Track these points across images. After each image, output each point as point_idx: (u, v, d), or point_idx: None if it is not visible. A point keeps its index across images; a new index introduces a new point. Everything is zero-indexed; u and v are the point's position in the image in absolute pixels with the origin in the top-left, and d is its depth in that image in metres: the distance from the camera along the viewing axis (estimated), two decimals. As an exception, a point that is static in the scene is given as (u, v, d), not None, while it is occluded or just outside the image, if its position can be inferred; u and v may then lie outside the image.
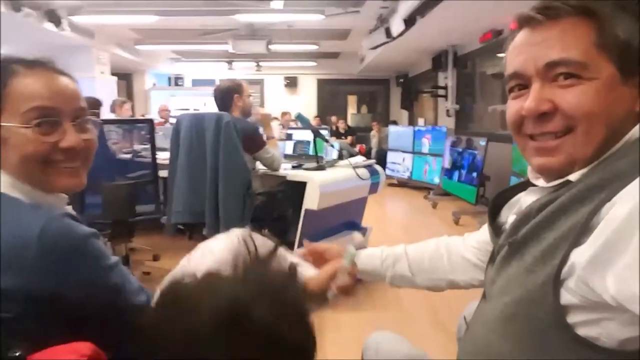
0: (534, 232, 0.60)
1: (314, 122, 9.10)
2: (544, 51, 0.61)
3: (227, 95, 2.48)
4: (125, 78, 9.48)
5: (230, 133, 2.20)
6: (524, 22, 0.64)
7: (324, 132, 2.94)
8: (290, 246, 2.58)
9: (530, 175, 0.71)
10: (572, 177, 0.60)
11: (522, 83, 0.64)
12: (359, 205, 2.99)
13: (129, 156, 3.48)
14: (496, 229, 0.76)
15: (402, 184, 7.25)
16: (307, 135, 3.05)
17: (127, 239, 2.62)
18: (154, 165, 2.66)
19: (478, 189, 4.84)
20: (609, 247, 0.49)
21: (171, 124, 5.88)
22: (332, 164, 2.80)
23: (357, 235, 0.86)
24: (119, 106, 4.54)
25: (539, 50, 0.61)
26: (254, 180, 2.50)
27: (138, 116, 5.94)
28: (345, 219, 2.92)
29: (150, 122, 2.71)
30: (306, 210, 2.42)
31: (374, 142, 8.63)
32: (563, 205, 0.58)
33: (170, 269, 0.71)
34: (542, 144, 0.62)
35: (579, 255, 0.52)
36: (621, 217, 0.49)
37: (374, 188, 2.93)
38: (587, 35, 0.59)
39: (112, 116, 4.55)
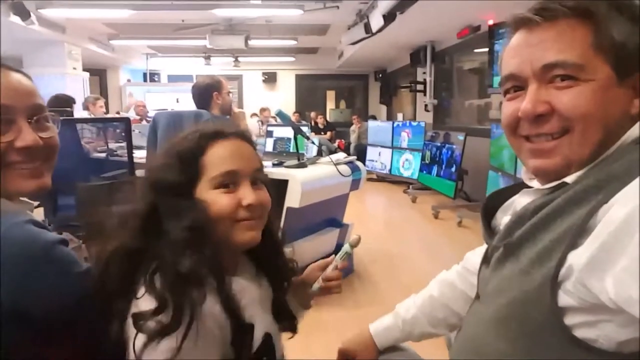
0: (530, 234, 0.60)
1: (293, 118, 9.06)
2: (541, 53, 0.60)
3: (205, 92, 2.43)
4: (98, 74, 9.22)
5: (210, 131, 2.16)
6: (521, 23, 0.64)
7: (304, 129, 2.91)
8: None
9: (525, 176, 0.70)
10: (569, 179, 0.60)
11: (518, 85, 0.64)
12: (341, 201, 2.98)
13: (103, 155, 3.38)
14: (490, 230, 0.75)
15: (381, 178, 7.30)
16: (287, 132, 3.02)
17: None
18: (131, 164, 2.59)
19: (457, 184, 4.90)
20: (607, 249, 0.49)
21: (147, 120, 5.76)
22: (313, 161, 2.78)
23: (354, 237, 0.87)
24: (92, 103, 4.41)
25: (535, 52, 0.61)
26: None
27: (113, 114, 5.77)
28: (326, 215, 2.91)
29: (126, 120, 2.63)
30: (288, 208, 2.40)
31: (353, 137, 8.64)
32: (559, 206, 0.57)
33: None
34: (538, 146, 0.62)
35: (577, 257, 0.52)
36: (619, 219, 0.49)
37: (355, 184, 2.92)
38: (583, 36, 0.59)
39: (85, 114, 4.42)
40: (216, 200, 0.71)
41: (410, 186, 6.21)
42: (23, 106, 0.68)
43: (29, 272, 0.59)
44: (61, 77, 6.44)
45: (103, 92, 9.42)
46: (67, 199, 2.67)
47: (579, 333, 0.53)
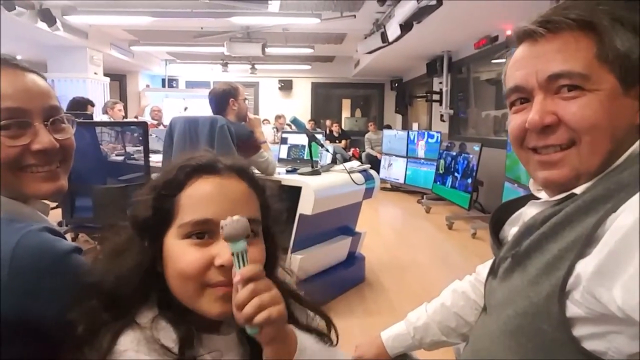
0: (538, 244, 0.59)
1: (308, 125, 9.10)
2: (546, 64, 0.60)
3: (222, 98, 2.46)
4: (118, 79, 9.41)
5: (225, 137, 2.18)
6: (524, 36, 0.64)
7: (319, 137, 2.92)
8: (284, 252, 2.57)
9: (532, 187, 0.70)
10: (578, 190, 0.59)
11: (523, 97, 0.64)
12: (354, 210, 2.98)
13: (121, 158, 3.44)
14: (497, 242, 0.75)
15: (395, 188, 7.26)
16: (302, 140, 3.03)
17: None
18: (147, 168, 2.63)
19: (472, 195, 4.85)
20: (614, 257, 0.49)
21: (164, 125, 5.85)
22: (327, 168, 2.78)
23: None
24: (111, 108, 4.50)
25: (540, 64, 0.61)
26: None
27: (131, 118, 5.88)
28: (339, 223, 2.90)
29: (143, 124, 2.68)
30: (300, 215, 2.40)
31: (367, 145, 8.61)
32: (568, 216, 0.57)
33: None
34: (546, 158, 0.62)
35: (584, 266, 0.52)
36: (627, 227, 0.49)
37: (368, 193, 2.92)
38: (588, 47, 0.59)
39: (104, 118, 4.51)
40: (182, 253, 0.57)
41: (425, 196, 6.16)
42: (39, 108, 0.67)
43: (42, 281, 0.58)
44: (83, 82, 6.60)
45: (122, 96, 9.61)
46: (85, 200, 2.72)
47: (588, 345, 0.52)
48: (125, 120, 4.20)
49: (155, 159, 2.92)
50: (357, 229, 3.09)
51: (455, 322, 0.90)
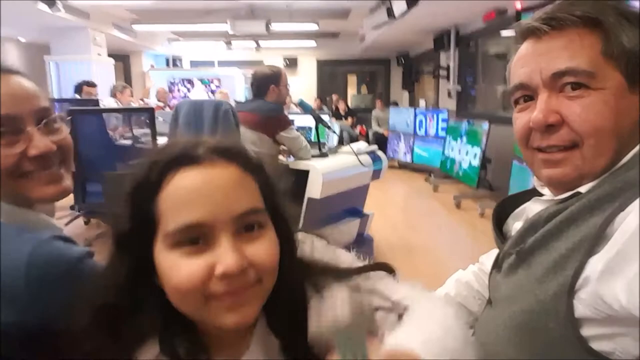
0: (543, 242, 0.59)
1: (314, 104, 9.04)
2: (551, 61, 0.60)
3: (263, 83, 2.45)
4: (122, 59, 9.34)
5: (229, 121, 2.17)
6: (528, 33, 0.63)
7: (325, 118, 2.91)
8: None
9: (536, 183, 0.70)
10: (582, 189, 0.59)
11: (527, 94, 0.63)
12: (362, 191, 2.98)
13: (129, 142, 3.45)
14: (501, 236, 0.75)
15: (402, 166, 7.24)
16: (308, 121, 3.01)
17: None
18: (155, 153, 2.64)
19: (480, 173, 4.82)
20: (621, 256, 0.49)
21: (170, 107, 5.83)
22: (334, 150, 2.77)
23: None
24: (120, 92, 4.48)
25: (545, 61, 0.60)
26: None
27: (137, 100, 5.87)
28: (347, 205, 2.91)
29: (150, 110, 2.67)
30: (308, 199, 2.41)
31: (374, 123, 8.54)
32: (573, 214, 0.57)
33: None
34: (550, 156, 0.61)
35: (593, 266, 0.52)
36: (634, 227, 0.49)
37: (376, 174, 2.92)
38: (593, 44, 0.58)
39: (111, 101, 4.50)
40: (174, 267, 0.46)
41: (432, 174, 6.14)
42: (29, 112, 0.63)
43: (57, 290, 0.57)
44: (87, 64, 6.56)
45: (127, 77, 9.56)
46: (95, 185, 2.74)
47: (596, 345, 0.53)
48: (132, 107, 4.16)
49: (163, 143, 2.92)
50: (365, 210, 3.10)
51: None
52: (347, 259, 0.60)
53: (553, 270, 0.56)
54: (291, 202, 0.57)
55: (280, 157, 2.61)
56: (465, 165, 5.25)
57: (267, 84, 2.46)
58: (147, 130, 3.13)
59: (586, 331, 0.53)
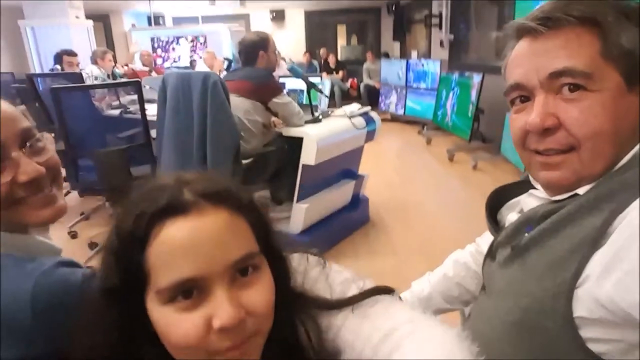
0: (538, 239, 0.60)
1: (304, 58, 8.80)
2: (547, 61, 0.58)
3: (252, 50, 2.41)
4: (102, 19, 8.96)
5: (218, 93, 2.11)
6: (524, 31, 0.61)
7: (316, 80, 2.85)
8: (290, 201, 2.62)
9: (531, 177, 0.70)
10: (580, 191, 0.59)
11: (524, 94, 0.62)
12: (356, 153, 2.98)
13: (117, 112, 3.38)
14: (495, 224, 0.77)
15: (395, 118, 7.19)
16: (299, 84, 2.95)
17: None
18: (145, 125, 2.59)
19: (473, 125, 4.81)
20: (618, 257, 0.50)
21: (155, 69, 5.67)
22: (327, 114, 2.74)
23: None
24: (101, 58, 4.33)
25: (541, 61, 0.59)
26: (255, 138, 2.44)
27: (120, 63, 5.67)
28: (342, 168, 2.91)
29: (137, 83, 2.60)
30: (303, 166, 2.41)
31: (365, 76, 8.38)
32: (570, 213, 0.58)
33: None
34: (548, 159, 0.61)
35: (592, 268, 0.53)
36: (632, 228, 0.49)
37: (370, 135, 2.90)
38: (591, 44, 0.57)
39: (93, 68, 4.36)
40: (170, 323, 0.45)
41: (425, 127, 6.12)
42: (12, 137, 0.60)
43: (65, 319, 0.54)
44: (65, 28, 6.29)
45: (108, 39, 9.21)
46: (87, 161, 2.71)
47: (593, 347, 0.54)
48: (117, 81, 4.02)
49: (151, 111, 2.86)
50: (360, 167, 3.11)
51: (457, 292, 0.95)
52: (344, 278, 0.60)
53: (550, 270, 0.57)
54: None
55: (275, 123, 2.58)
56: (457, 118, 5.23)
57: (256, 50, 2.41)
58: (134, 96, 3.06)
59: (584, 332, 0.54)
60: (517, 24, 0.62)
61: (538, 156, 0.62)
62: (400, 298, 0.59)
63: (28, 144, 0.63)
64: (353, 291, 0.57)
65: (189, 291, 0.44)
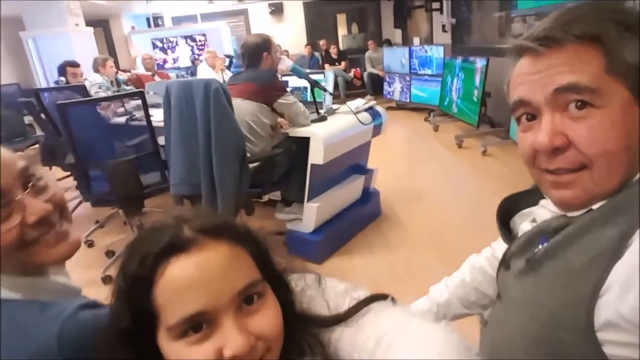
0: (552, 252, 0.60)
1: (305, 51, 8.74)
2: (551, 77, 0.57)
3: (255, 52, 2.42)
4: (101, 25, 8.97)
5: (220, 99, 2.12)
6: (524, 51, 0.60)
7: (319, 78, 2.83)
8: (301, 201, 2.61)
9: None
10: (595, 206, 0.58)
11: (530, 112, 0.61)
12: (364, 148, 2.96)
13: (123, 120, 3.39)
14: (507, 232, 0.76)
15: (400, 106, 7.13)
16: (303, 81, 2.94)
17: (138, 210, 2.64)
18: (152, 133, 2.60)
19: (480, 110, 4.75)
20: (636, 271, 0.49)
21: (159, 74, 5.66)
22: (332, 111, 2.72)
23: None
24: (102, 65, 4.33)
25: (545, 78, 0.57)
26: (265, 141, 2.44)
27: (123, 69, 5.69)
28: (351, 163, 2.91)
29: (140, 94, 2.60)
30: (312, 165, 2.41)
31: (368, 65, 8.30)
32: (584, 226, 0.57)
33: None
34: (559, 178, 0.59)
35: (612, 280, 0.52)
36: None
37: (377, 130, 2.88)
38: (595, 61, 0.55)
39: (96, 76, 4.37)
40: (183, 358, 0.47)
41: (432, 114, 6.06)
42: (13, 179, 0.60)
43: (97, 356, 0.55)
44: (66, 36, 6.31)
45: (109, 43, 9.22)
46: (98, 172, 2.73)
47: (607, 350, 0.53)
48: (122, 93, 4.00)
49: (157, 117, 2.85)
50: (369, 160, 3.10)
51: (475, 296, 0.94)
52: (337, 291, 0.61)
53: (568, 283, 0.56)
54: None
55: (281, 124, 2.57)
56: (463, 104, 5.17)
57: (260, 52, 2.41)
58: (139, 101, 3.06)
59: (605, 348, 0.53)
60: (516, 45, 0.61)
61: (549, 175, 0.60)
62: (394, 301, 0.60)
63: (30, 184, 0.62)
64: (348, 302, 0.58)
65: (198, 325, 0.46)
